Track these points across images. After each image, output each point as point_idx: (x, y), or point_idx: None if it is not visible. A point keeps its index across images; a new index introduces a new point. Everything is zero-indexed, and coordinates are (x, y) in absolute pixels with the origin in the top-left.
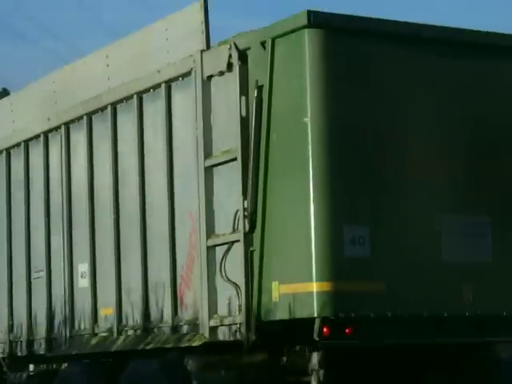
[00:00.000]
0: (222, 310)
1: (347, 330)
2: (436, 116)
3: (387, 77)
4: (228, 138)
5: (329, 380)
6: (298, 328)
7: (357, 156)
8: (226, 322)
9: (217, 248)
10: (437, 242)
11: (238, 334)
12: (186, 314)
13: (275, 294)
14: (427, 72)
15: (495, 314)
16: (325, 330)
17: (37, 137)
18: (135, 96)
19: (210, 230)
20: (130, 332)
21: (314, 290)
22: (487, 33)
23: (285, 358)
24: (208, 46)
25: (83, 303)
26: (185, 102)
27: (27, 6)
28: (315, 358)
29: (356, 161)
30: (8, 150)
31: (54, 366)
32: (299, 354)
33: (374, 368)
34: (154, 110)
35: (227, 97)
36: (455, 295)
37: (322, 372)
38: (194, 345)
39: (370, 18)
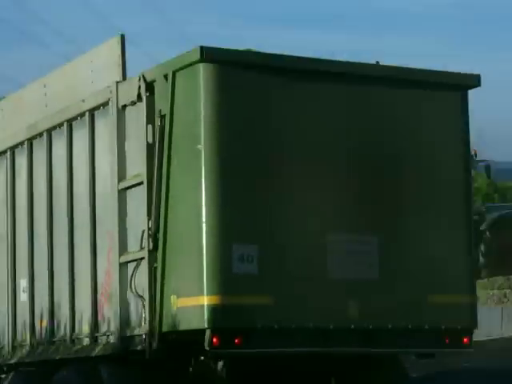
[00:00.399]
0: (132, 321)
1: (236, 341)
2: (324, 141)
3: (275, 106)
4: (138, 163)
5: None
6: (196, 339)
7: (246, 180)
8: (134, 332)
9: (128, 264)
10: (324, 259)
11: (143, 343)
12: (104, 326)
13: (174, 307)
14: (314, 101)
15: (381, 327)
16: (214, 340)
17: None
18: (65, 123)
19: (123, 248)
20: (60, 342)
21: (205, 303)
22: (373, 64)
23: (190, 368)
24: (124, 78)
25: (23, 316)
26: (105, 129)
27: (40, 11)
28: (219, 366)
29: (246, 184)
30: None
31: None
32: (204, 363)
33: (279, 377)
34: (81, 136)
35: (138, 125)
36: (341, 309)
37: (225, 380)
38: (106, 354)
39: (259, 53)
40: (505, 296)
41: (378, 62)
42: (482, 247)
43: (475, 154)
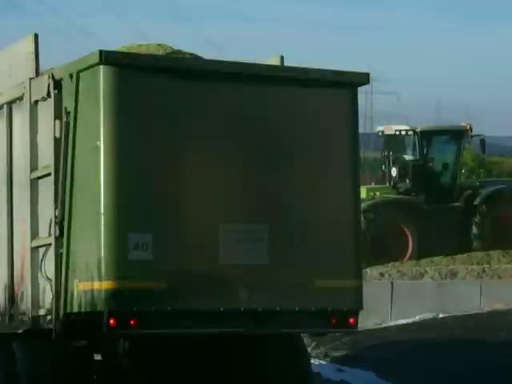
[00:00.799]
0: (42, 302)
1: (132, 322)
2: (218, 136)
3: (171, 105)
4: (47, 155)
5: (137, 364)
6: (95, 320)
7: (143, 174)
8: (43, 312)
9: (39, 249)
10: (216, 247)
11: (50, 323)
12: (19, 306)
13: (76, 290)
14: (208, 99)
15: (270, 309)
16: (111, 321)
17: None
18: None
19: (35, 234)
20: None
21: (103, 288)
22: (268, 65)
23: (94, 344)
24: (37, 74)
25: None
26: (21, 121)
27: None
28: (122, 344)
29: (142, 178)
30: None
31: None
32: (110, 341)
33: (179, 354)
34: (1, 127)
35: (48, 119)
36: (232, 293)
37: (128, 357)
38: (19, 331)
39: (155, 55)
40: (483, 271)
41: (282, 57)
42: (475, 223)
43: (470, 129)
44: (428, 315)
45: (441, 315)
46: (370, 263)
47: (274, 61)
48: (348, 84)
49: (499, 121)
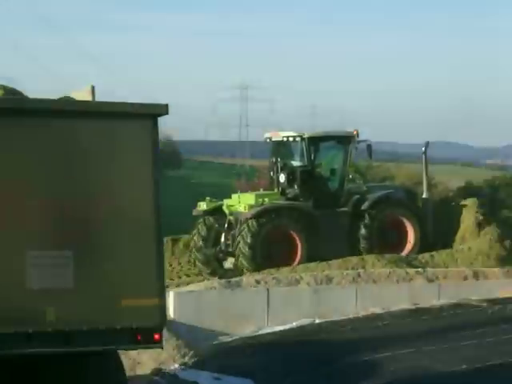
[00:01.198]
0: None
1: None
2: (22, 167)
3: None
4: None
5: None
6: None
7: None
8: None
9: None
10: (23, 272)
11: None
12: None
13: None
14: (13, 133)
15: (77, 329)
16: None
17: None
18: None
19: None
20: None
21: None
22: (70, 101)
23: None
24: None
25: None
26: None
27: None
28: None
29: None
30: None
31: None
32: None
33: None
34: None
35: None
36: (39, 315)
37: None
38: None
39: None
40: (359, 275)
41: (93, 87)
42: (363, 227)
43: (357, 134)
44: (305, 321)
45: (317, 320)
46: (261, 268)
47: (86, 92)
48: (150, 115)
49: (375, 127)
